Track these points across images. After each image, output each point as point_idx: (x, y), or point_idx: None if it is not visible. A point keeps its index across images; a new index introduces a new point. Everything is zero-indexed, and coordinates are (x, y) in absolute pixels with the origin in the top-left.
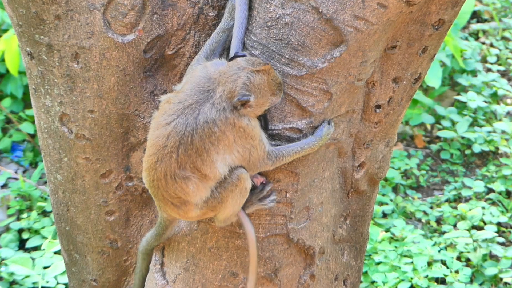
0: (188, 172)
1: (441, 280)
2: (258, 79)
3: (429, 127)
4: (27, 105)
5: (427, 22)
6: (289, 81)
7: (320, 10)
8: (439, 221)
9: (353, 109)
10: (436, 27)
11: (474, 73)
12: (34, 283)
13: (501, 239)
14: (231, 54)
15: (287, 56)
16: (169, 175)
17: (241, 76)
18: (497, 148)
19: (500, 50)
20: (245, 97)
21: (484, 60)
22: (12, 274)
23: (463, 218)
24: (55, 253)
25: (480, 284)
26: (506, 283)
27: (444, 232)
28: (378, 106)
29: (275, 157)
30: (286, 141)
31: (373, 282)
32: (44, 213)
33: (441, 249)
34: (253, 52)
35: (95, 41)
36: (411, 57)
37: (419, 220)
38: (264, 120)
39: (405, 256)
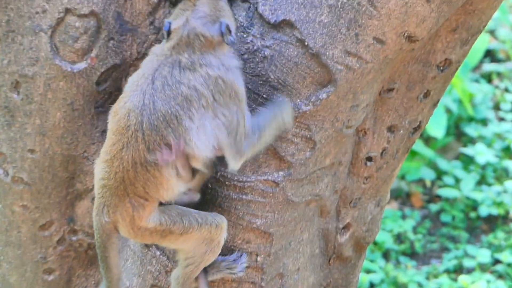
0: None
1: None
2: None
3: (428, 183)
4: None
5: (431, 61)
6: None
7: (306, 43)
8: None
9: (339, 161)
10: (442, 68)
11: (484, 122)
12: None
13: None
14: None
15: (264, 96)
16: (138, 162)
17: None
18: (507, 212)
19: None
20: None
21: (497, 107)
22: None
23: None
24: None
25: None
26: None
27: None
28: (369, 159)
29: (258, 128)
30: (259, 196)
31: None
32: None
33: None
34: None
35: (40, 68)
36: (410, 103)
37: None
38: None
39: None
